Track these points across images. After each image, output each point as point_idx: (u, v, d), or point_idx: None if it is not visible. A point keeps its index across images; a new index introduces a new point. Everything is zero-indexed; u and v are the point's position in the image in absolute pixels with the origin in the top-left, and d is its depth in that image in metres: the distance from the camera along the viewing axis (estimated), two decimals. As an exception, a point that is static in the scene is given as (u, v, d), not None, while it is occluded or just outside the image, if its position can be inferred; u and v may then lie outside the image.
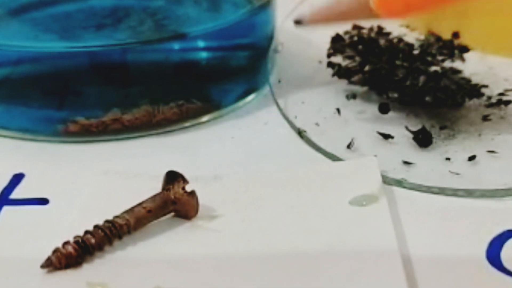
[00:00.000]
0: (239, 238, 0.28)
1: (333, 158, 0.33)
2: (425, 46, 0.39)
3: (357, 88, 0.38)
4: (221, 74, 0.37)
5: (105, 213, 0.28)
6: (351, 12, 0.31)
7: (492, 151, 0.33)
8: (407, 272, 0.26)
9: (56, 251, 0.27)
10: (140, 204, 0.28)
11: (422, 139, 0.34)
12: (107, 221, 0.28)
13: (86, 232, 0.27)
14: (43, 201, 0.31)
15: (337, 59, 0.39)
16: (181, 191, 0.29)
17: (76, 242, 0.27)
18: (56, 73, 0.35)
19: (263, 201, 0.30)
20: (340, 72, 0.38)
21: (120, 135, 0.35)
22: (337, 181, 0.31)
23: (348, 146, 0.34)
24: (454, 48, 0.39)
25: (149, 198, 0.29)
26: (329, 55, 0.39)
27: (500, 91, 0.38)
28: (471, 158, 0.33)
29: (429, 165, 0.33)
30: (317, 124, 0.36)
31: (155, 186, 0.29)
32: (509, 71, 0.40)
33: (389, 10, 0.31)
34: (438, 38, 0.40)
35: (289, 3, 0.43)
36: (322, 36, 0.40)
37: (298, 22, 0.34)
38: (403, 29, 0.42)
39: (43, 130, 0.35)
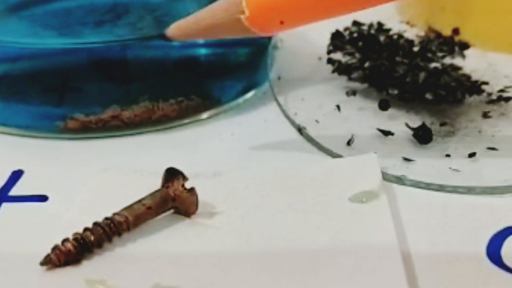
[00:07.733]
0: (238, 235, 0.28)
1: (333, 154, 0.33)
2: (425, 43, 0.39)
3: (357, 85, 0.38)
4: (220, 71, 0.37)
5: (104, 210, 0.28)
6: (221, 28, 0.30)
7: (492, 148, 0.33)
8: (407, 268, 0.26)
9: (55, 248, 0.27)
10: (139, 201, 0.28)
11: (422, 136, 0.34)
12: (106, 218, 0.28)
13: (85, 229, 0.27)
14: (42, 198, 0.31)
15: (337, 55, 0.39)
16: (180, 188, 0.29)
17: (75, 239, 0.27)
18: (56, 69, 0.35)
19: (263, 198, 0.30)
20: (340, 69, 0.38)
21: (120, 132, 0.35)
22: (337, 177, 0.31)
23: (348, 143, 0.34)
24: (454, 44, 0.39)
25: (148, 195, 0.29)
26: (329, 52, 0.39)
27: (500, 87, 0.38)
28: (471, 155, 0.33)
29: (429, 162, 0.33)
30: (317, 120, 0.36)
31: (155, 183, 0.29)
32: (510, 67, 0.40)
33: (263, 27, 0.30)
34: (438, 35, 0.40)
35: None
36: (322, 33, 0.40)
37: (165, 38, 0.32)
38: (403, 25, 0.42)
39: (42, 127, 0.35)
